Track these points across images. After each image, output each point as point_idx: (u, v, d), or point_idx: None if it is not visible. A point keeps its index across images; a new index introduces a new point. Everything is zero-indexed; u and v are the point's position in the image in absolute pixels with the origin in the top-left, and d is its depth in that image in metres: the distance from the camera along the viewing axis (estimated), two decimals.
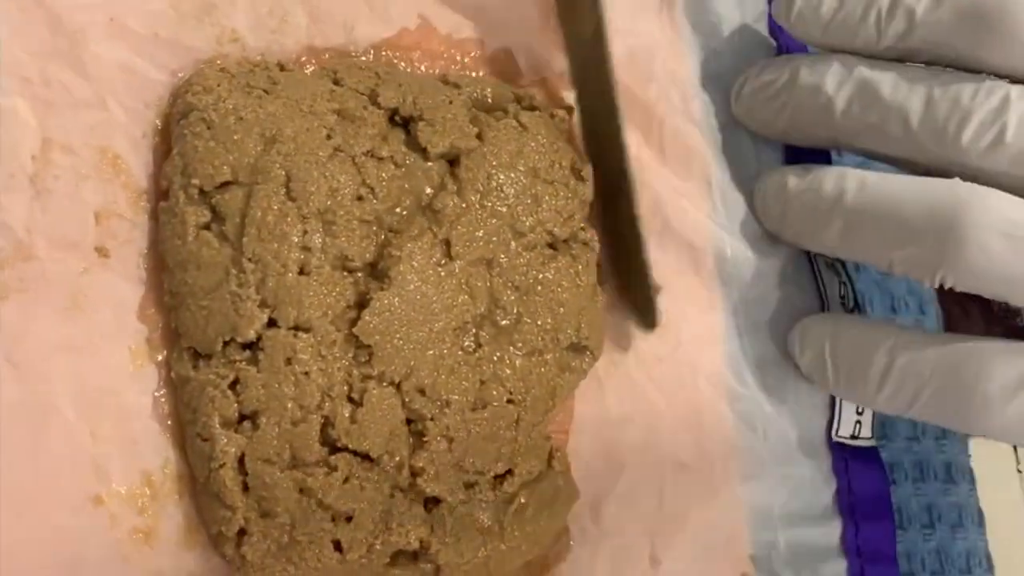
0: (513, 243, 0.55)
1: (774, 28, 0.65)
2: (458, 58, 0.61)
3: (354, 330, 0.50)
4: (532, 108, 0.59)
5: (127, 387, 0.50)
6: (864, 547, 0.60)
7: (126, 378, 0.50)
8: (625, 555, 0.57)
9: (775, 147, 0.64)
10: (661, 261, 0.60)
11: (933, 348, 0.53)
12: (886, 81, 0.55)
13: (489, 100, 0.58)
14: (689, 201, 0.62)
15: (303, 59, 0.57)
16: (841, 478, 0.61)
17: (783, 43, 0.65)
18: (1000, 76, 0.53)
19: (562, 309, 0.56)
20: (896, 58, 0.56)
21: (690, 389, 0.60)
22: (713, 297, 0.62)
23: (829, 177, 0.56)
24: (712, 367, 0.61)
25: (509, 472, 0.54)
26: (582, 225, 0.58)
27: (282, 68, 0.56)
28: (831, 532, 0.61)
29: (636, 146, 0.61)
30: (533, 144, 0.57)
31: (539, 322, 0.55)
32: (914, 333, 0.55)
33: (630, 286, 0.59)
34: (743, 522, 0.59)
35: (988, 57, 0.52)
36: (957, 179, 0.52)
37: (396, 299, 0.51)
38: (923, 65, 0.55)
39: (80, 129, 0.51)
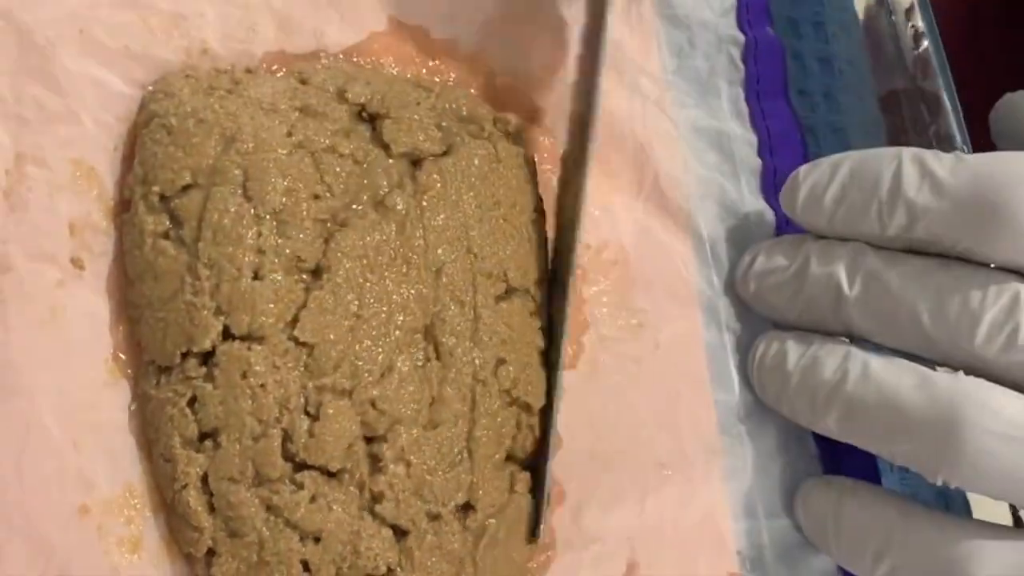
0: (467, 260, 0.53)
1: (743, 22, 0.64)
2: (430, 62, 0.59)
3: (295, 331, 0.49)
4: (508, 134, 0.58)
5: (105, 400, 0.49)
6: None
7: (104, 390, 0.49)
8: (606, 560, 0.56)
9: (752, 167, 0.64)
10: (641, 256, 0.60)
11: (928, 530, 0.52)
12: (895, 276, 0.53)
13: (463, 112, 0.56)
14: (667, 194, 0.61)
15: (274, 67, 0.56)
16: (827, 465, 0.61)
17: (751, 36, 0.64)
18: (1010, 269, 0.50)
19: (504, 347, 0.54)
20: (906, 248, 0.54)
21: (670, 390, 0.59)
22: (692, 295, 0.61)
23: (831, 358, 0.54)
24: (692, 366, 0.60)
25: (471, 506, 0.52)
26: (537, 278, 0.57)
27: (249, 72, 0.56)
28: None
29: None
30: (503, 177, 0.56)
31: (478, 353, 0.53)
32: (912, 511, 0.53)
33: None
34: (727, 521, 0.58)
35: (993, 250, 0.50)
36: (961, 373, 0.50)
37: (335, 295, 0.50)
38: (934, 256, 0.53)
39: (53, 143, 0.50)
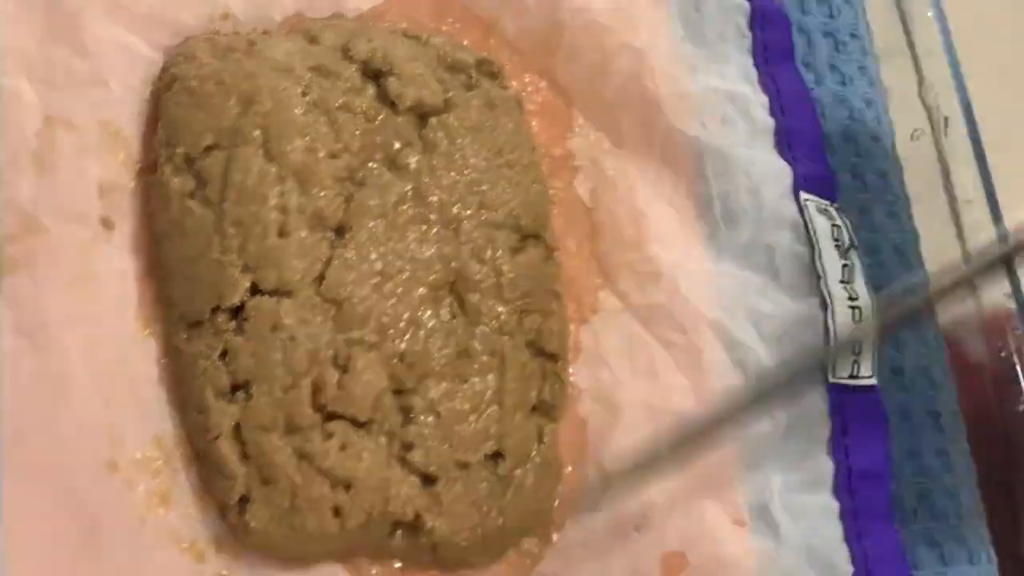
0: (481, 215, 0.54)
1: None
2: (444, 27, 0.60)
3: (320, 288, 0.50)
4: (493, 75, 0.59)
5: (135, 355, 0.50)
6: (858, 491, 0.59)
7: (134, 346, 0.50)
8: (620, 507, 0.56)
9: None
10: (655, 214, 0.60)
11: None
12: None
13: (448, 60, 0.57)
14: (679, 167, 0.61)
15: (290, 31, 0.57)
16: (836, 420, 0.59)
17: (756, 5, 0.64)
18: None
19: (525, 299, 0.55)
20: None
21: (687, 337, 0.59)
22: (709, 245, 0.61)
23: None
24: (709, 315, 0.59)
25: (500, 454, 0.53)
26: (545, 220, 0.58)
27: (265, 33, 0.56)
28: (823, 477, 0.59)
29: None
30: (500, 123, 0.57)
31: (502, 308, 0.54)
32: None
33: None
34: (735, 469, 0.58)
35: None
36: None
37: (360, 253, 0.51)
38: None
39: (82, 106, 0.51)
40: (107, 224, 0.51)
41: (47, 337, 0.47)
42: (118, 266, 0.51)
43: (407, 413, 0.51)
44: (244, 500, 0.49)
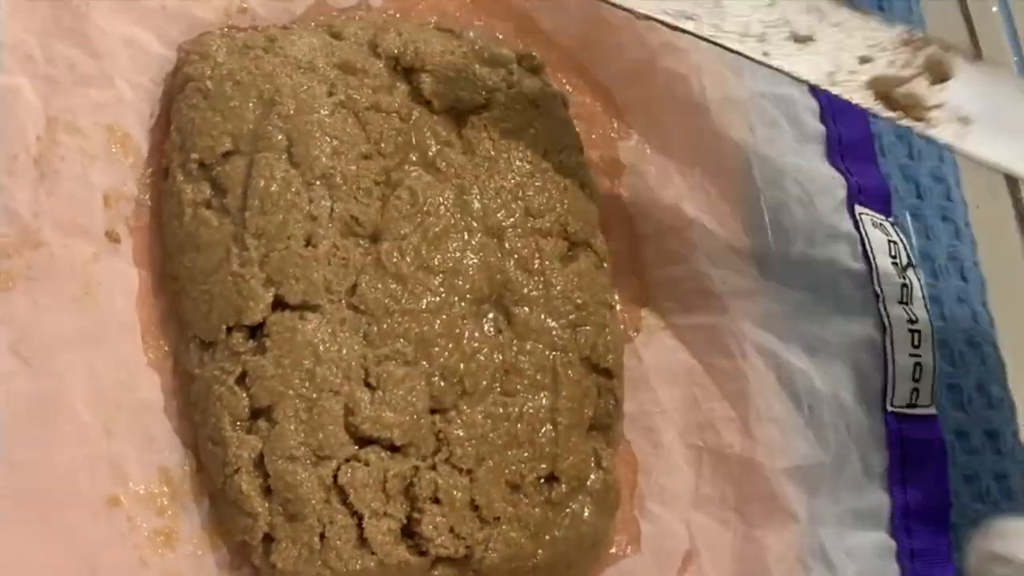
0: (526, 222, 0.51)
1: None
2: (477, 22, 0.57)
3: (353, 298, 0.47)
4: (535, 70, 0.56)
5: (141, 380, 0.47)
6: (916, 531, 0.55)
7: (140, 371, 0.47)
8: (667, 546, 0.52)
9: None
10: (700, 221, 0.57)
11: None
12: None
13: (486, 55, 0.54)
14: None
15: (312, 25, 0.54)
16: (894, 451, 0.56)
17: None
18: None
19: (578, 312, 0.51)
20: None
21: (732, 362, 0.55)
22: (758, 260, 0.57)
23: None
24: (757, 337, 0.55)
25: (555, 478, 0.49)
26: (594, 225, 0.54)
27: (285, 28, 0.53)
28: (879, 511, 0.55)
29: None
30: (544, 122, 0.54)
31: (553, 322, 0.50)
32: None
33: None
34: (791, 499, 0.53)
35: None
36: None
37: (395, 262, 0.48)
38: None
39: (87, 108, 0.48)
40: (112, 237, 0.48)
41: (44, 359, 0.44)
42: (124, 283, 0.48)
43: (447, 435, 0.47)
44: (268, 539, 0.45)
